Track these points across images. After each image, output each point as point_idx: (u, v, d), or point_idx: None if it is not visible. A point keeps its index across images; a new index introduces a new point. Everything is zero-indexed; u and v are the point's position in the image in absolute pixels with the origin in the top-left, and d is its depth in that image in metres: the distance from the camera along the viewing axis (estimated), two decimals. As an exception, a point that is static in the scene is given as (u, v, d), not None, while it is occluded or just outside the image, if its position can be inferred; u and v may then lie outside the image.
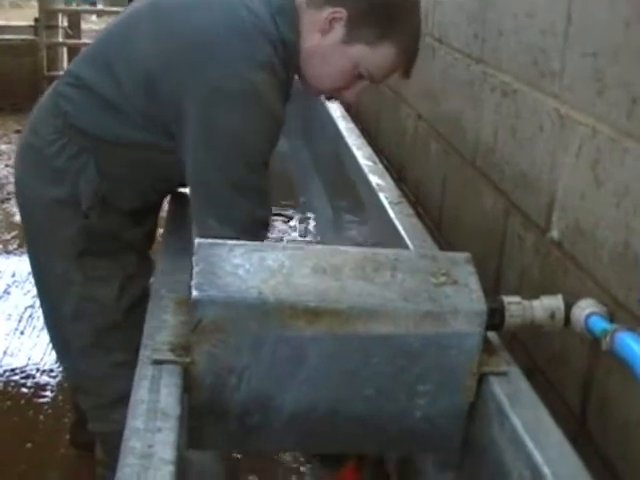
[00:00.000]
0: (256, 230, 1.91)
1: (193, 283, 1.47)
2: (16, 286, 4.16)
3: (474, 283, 1.58)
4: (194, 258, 1.52)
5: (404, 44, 1.92)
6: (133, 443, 1.23)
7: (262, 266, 1.52)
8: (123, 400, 1.93)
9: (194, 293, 1.45)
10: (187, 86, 1.82)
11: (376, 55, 1.91)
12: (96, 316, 2.13)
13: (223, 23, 1.83)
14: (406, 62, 1.97)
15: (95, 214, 2.03)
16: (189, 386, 1.47)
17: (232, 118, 1.82)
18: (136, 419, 1.29)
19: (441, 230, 2.74)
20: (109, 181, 2.01)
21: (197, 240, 1.56)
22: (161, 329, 1.54)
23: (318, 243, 3.11)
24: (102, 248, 2.09)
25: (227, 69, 1.80)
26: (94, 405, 2.25)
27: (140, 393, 1.36)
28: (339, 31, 1.89)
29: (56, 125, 2.00)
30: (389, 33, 1.89)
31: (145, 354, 1.46)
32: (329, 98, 2.29)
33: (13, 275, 4.28)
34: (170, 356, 1.46)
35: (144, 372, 1.41)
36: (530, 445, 1.36)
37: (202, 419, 1.51)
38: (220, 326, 1.45)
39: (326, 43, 1.91)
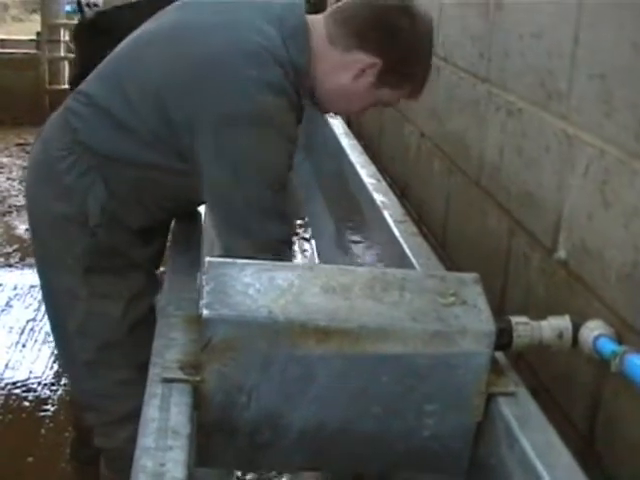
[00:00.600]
0: (279, 249, 1.91)
1: (203, 302, 1.47)
2: (18, 299, 4.17)
3: (482, 303, 1.59)
4: (204, 277, 1.53)
5: (421, 81, 2.03)
6: (144, 462, 1.23)
7: (272, 285, 1.53)
8: (130, 418, 1.93)
9: (205, 312, 1.45)
10: (199, 109, 1.84)
11: (397, 93, 2.02)
12: (100, 332, 2.13)
13: (234, 47, 1.85)
14: (418, 90, 2.06)
15: (102, 231, 2.03)
16: (198, 404, 1.47)
17: (245, 140, 1.84)
18: (147, 437, 1.29)
19: (445, 249, 2.74)
20: (117, 199, 2.01)
21: (207, 259, 1.57)
22: (170, 347, 1.54)
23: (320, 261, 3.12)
24: (109, 265, 2.09)
25: (238, 92, 1.82)
26: (101, 422, 2.24)
27: (150, 411, 1.36)
28: (370, 77, 1.94)
29: (65, 142, 2.02)
30: (411, 77, 2.00)
31: (155, 372, 1.46)
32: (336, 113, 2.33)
33: (15, 288, 4.29)
34: (180, 374, 1.46)
35: (154, 390, 1.41)
36: (540, 467, 1.37)
37: (211, 437, 1.52)
38: (230, 345, 1.45)
39: (356, 86, 1.95)
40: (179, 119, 1.87)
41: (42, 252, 2.19)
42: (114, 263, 2.10)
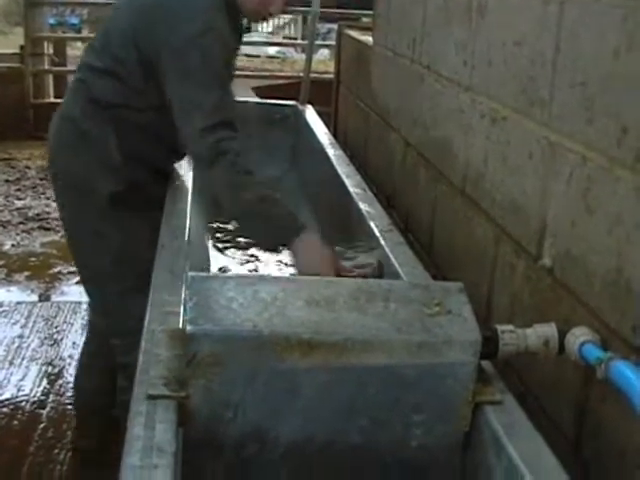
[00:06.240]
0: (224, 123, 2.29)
1: (187, 317, 1.47)
2: (4, 316, 4.14)
3: (468, 312, 1.59)
4: (187, 292, 1.52)
5: None
6: (130, 480, 1.23)
7: (256, 299, 1.52)
8: None
9: (189, 327, 1.44)
10: (162, 37, 2.33)
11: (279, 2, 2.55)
12: (130, 263, 2.52)
13: None
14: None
15: (125, 168, 2.51)
16: (184, 420, 1.46)
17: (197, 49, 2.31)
18: (132, 456, 1.28)
19: (432, 257, 2.74)
20: (126, 141, 2.50)
21: (190, 274, 1.56)
22: (155, 363, 1.53)
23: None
24: (132, 201, 2.53)
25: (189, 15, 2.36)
26: (129, 341, 2.38)
27: (135, 429, 1.35)
28: None
29: (82, 104, 2.52)
30: None
31: (140, 390, 1.45)
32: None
33: (1, 305, 4.26)
34: (164, 391, 1.45)
35: (139, 408, 1.40)
36: (527, 476, 1.36)
37: (198, 453, 1.51)
38: (215, 360, 1.45)
39: None
40: (150, 54, 2.35)
41: (71, 206, 2.63)
42: (136, 199, 2.54)
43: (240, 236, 3.17)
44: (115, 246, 2.56)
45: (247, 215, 2.22)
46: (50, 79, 8.16)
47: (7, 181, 6.34)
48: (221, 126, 2.25)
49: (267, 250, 2.46)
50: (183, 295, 1.78)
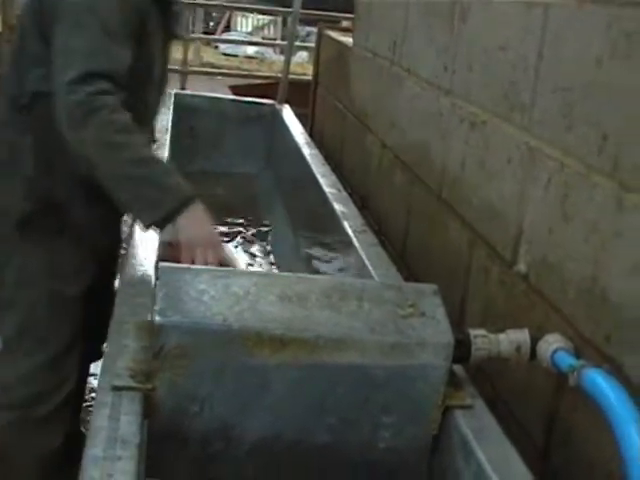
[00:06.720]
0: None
1: (156, 308, 1.44)
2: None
3: (441, 315, 1.57)
4: (157, 282, 1.50)
5: None
6: (92, 472, 1.20)
7: (227, 292, 1.50)
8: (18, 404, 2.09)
9: (157, 318, 1.42)
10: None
11: None
12: (20, 307, 2.09)
13: None
14: None
15: (42, 178, 2.02)
16: (149, 413, 1.43)
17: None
18: (95, 447, 1.25)
19: (404, 260, 2.73)
20: (45, 146, 2.01)
21: (161, 264, 1.54)
22: (121, 354, 1.50)
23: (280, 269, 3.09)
24: (45, 224, 2.05)
25: None
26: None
27: (99, 420, 1.32)
28: None
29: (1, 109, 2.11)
30: None
31: (105, 380, 1.43)
32: None
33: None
34: (130, 382, 1.42)
35: (104, 399, 1.38)
36: (496, 480, 1.35)
37: (162, 447, 1.48)
38: (183, 352, 1.42)
39: None
40: (47, 16, 1.92)
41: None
42: (52, 223, 2.05)
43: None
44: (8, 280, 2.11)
45: (123, 179, 1.83)
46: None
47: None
48: (97, 78, 1.85)
49: (147, 227, 1.88)
50: (153, 286, 1.76)
